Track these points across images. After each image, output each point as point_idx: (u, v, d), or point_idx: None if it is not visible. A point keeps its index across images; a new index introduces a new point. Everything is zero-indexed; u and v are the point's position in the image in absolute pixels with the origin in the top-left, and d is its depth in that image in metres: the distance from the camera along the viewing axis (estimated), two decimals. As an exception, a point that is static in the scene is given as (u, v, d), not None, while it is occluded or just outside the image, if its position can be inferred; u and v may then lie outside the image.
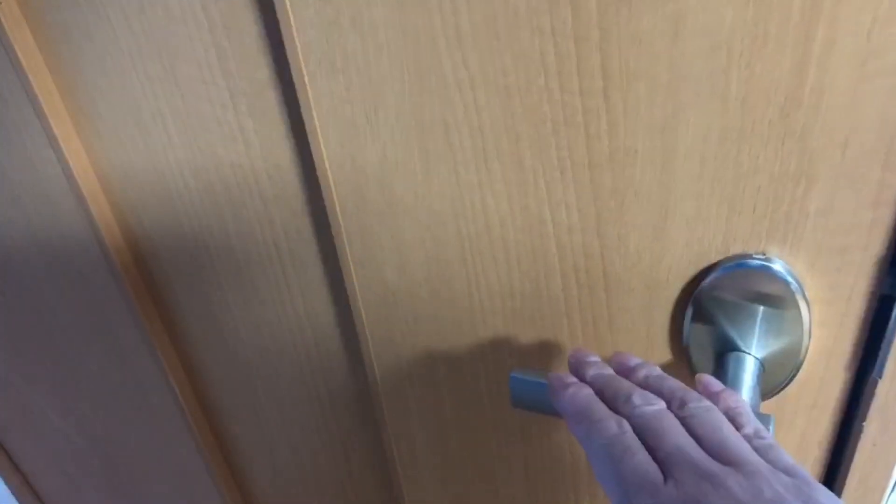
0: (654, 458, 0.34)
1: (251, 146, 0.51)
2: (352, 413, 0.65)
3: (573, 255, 0.46)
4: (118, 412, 0.78)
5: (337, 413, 0.66)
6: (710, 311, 0.44)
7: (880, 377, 0.42)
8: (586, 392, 0.40)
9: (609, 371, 0.42)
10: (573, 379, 0.42)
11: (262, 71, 0.47)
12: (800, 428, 0.48)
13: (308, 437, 0.69)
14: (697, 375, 0.41)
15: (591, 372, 0.42)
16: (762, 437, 0.36)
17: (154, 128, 0.53)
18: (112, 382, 0.75)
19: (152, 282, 0.64)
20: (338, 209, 0.50)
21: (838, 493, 0.48)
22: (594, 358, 0.43)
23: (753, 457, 0.34)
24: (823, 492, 0.31)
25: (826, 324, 0.42)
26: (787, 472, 0.33)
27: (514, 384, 0.46)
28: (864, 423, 0.44)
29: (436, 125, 0.43)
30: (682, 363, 0.47)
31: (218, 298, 0.62)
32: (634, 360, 0.43)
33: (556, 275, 0.47)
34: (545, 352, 0.51)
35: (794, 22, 0.34)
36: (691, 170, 0.40)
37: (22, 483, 0.98)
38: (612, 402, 0.38)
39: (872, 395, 0.43)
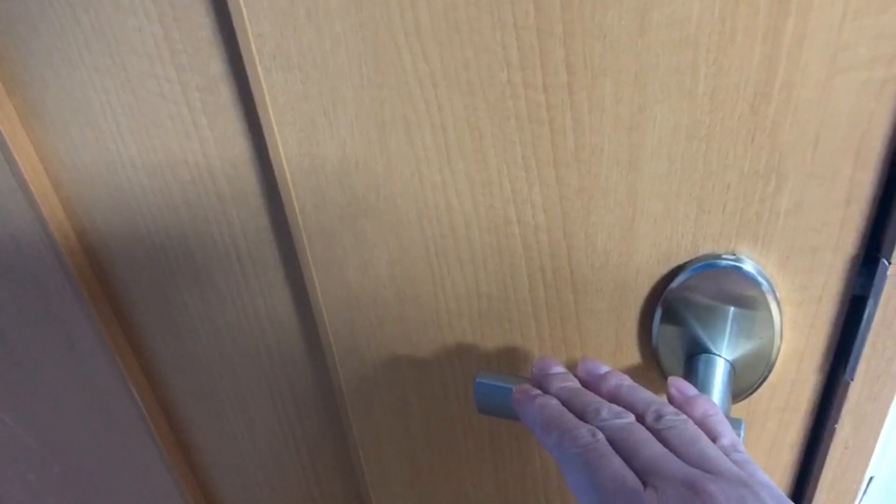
0: (630, 468, 0.33)
1: (206, 143, 0.49)
2: (316, 416, 0.63)
3: (540, 256, 0.44)
4: (77, 418, 0.76)
5: (301, 416, 0.64)
6: (679, 312, 0.43)
7: (852, 379, 0.41)
8: (555, 402, 0.38)
9: (575, 384, 0.41)
10: (537, 391, 0.40)
11: (215, 65, 0.45)
12: (771, 431, 0.47)
13: (272, 440, 0.68)
14: (670, 379, 0.40)
15: (556, 385, 0.40)
16: (738, 451, 0.35)
17: (105, 124, 0.51)
18: (69, 387, 0.72)
19: (108, 283, 0.62)
20: (297, 208, 0.48)
21: (810, 497, 0.48)
22: (558, 369, 0.42)
23: (734, 468, 0.33)
24: None
25: (797, 325, 0.41)
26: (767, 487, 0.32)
27: (479, 390, 0.45)
28: (836, 426, 0.43)
29: (397, 122, 0.42)
30: (652, 365, 0.46)
31: (176, 300, 0.60)
32: (603, 368, 0.41)
33: (523, 276, 0.45)
34: (513, 354, 0.50)
35: (763, 15, 0.32)
36: (659, 168, 0.38)
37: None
38: (581, 415, 0.37)
39: (844, 397, 0.42)
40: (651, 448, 0.34)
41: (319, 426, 0.64)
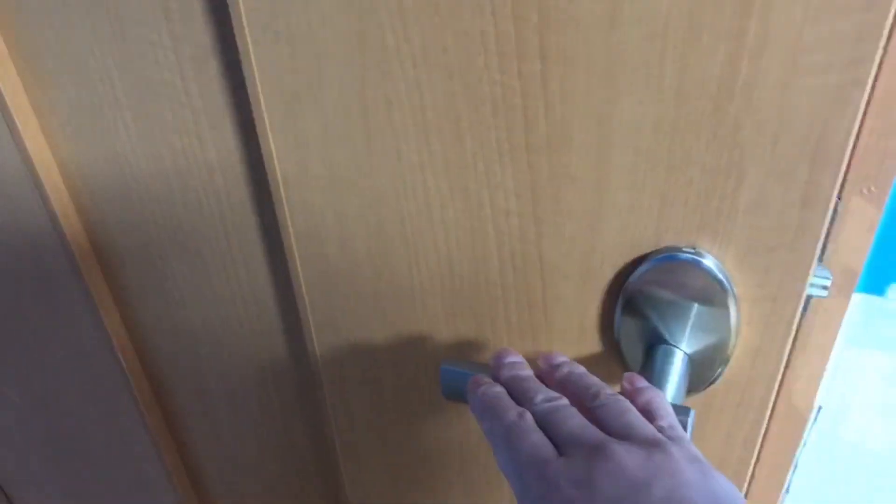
0: (553, 443, 0.35)
1: (197, 112, 0.50)
2: (292, 385, 0.65)
3: (510, 240, 0.45)
4: (62, 379, 0.77)
5: (278, 386, 0.65)
6: (640, 302, 0.44)
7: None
8: (496, 390, 0.40)
9: (527, 373, 0.42)
10: (487, 379, 0.42)
11: (208, 35, 0.46)
12: (726, 425, 0.48)
13: (250, 405, 0.69)
14: (625, 373, 0.41)
15: (506, 373, 0.42)
16: (674, 429, 0.36)
17: (102, 88, 0.52)
18: (56, 349, 0.74)
19: (98, 245, 0.63)
20: (280, 180, 0.49)
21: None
22: (514, 358, 0.44)
23: (654, 431, 0.34)
24: (722, 479, 0.32)
25: (754, 322, 0.43)
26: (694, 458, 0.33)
27: (444, 376, 0.46)
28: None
29: (378, 101, 0.43)
30: (614, 354, 0.47)
31: (163, 266, 0.61)
32: (560, 358, 0.43)
33: (494, 259, 0.47)
34: (482, 336, 0.51)
35: (728, 14, 0.34)
36: (626, 159, 0.40)
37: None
38: (519, 401, 0.39)
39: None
40: (573, 421, 0.35)
41: (295, 395, 0.65)
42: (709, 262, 0.41)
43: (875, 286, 0.54)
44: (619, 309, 0.45)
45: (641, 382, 0.40)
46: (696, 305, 0.42)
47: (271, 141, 0.48)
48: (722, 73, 0.35)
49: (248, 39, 0.44)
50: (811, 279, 0.41)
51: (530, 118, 0.40)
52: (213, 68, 0.47)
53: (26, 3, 0.51)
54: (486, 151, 0.42)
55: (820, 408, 0.62)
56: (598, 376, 0.42)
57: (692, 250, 0.41)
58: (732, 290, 0.41)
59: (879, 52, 0.32)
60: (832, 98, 0.34)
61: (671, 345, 0.44)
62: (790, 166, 0.37)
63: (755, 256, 0.40)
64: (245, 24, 0.43)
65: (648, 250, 0.42)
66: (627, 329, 0.45)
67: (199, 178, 0.54)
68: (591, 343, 0.47)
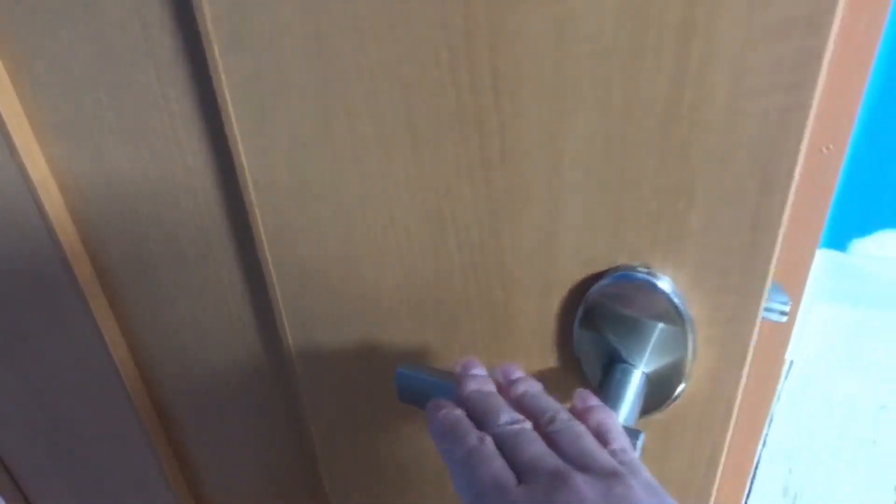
0: (513, 469, 0.34)
1: (174, 116, 0.51)
2: (273, 386, 0.65)
3: (471, 252, 0.45)
4: (60, 373, 0.79)
5: (261, 385, 0.66)
6: (597, 320, 0.43)
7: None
8: (456, 413, 0.40)
9: (489, 387, 0.42)
10: (447, 402, 0.42)
11: (178, 41, 0.46)
12: (689, 444, 0.47)
13: (235, 405, 0.70)
14: (577, 390, 0.41)
15: (470, 386, 0.42)
16: (626, 454, 0.36)
17: (87, 97, 0.53)
18: (54, 344, 0.76)
19: (91, 246, 0.65)
20: (250, 184, 0.50)
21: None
22: (477, 371, 0.43)
23: (611, 461, 0.34)
24: None
25: (711, 343, 0.42)
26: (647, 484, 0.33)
27: (400, 380, 0.46)
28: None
29: (339, 112, 0.43)
30: (574, 370, 0.47)
31: (154, 269, 0.62)
32: (517, 374, 0.43)
33: (456, 270, 0.47)
34: (447, 346, 0.51)
35: (670, 34, 0.33)
36: (578, 176, 0.39)
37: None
38: (481, 420, 0.39)
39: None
40: (534, 448, 0.35)
41: (277, 395, 0.66)
42: (664, 282, 0.40)
43: (838, 242, 0.58)
44: (577, 325, 0.44)
45: (593, 401, 0.40)
46: (651, 325, 0.42)
47: (241, 147, 0.48)
48: (668, 94, 0.35)
49: (216, 49, 0.44)
50: (769, 303, 0.40)
51: (485, 133, 0.40)
52: (185, 74, 0.48)
53: (9, 9, 0.52)
54: (444, 164, 0.42)
55: (791, 362, 0.65)
56: (558, 391, 0.42)
57: (646, 270, 0.40)
58: (687, 310, 0.41)
59: (821, 76, 0.31)
60: (777, 122, 0.33)
61: (628, 363, 0.44)
62: (739, 189, 0.36)
63: (709, 278, 0.39)
64: (211, 33, 0.44)
65: (604, 268, 0.42)
66: (586, 345, 0.45)
67: (178, 178, 0.54)
68: (552, 357, 0.47)
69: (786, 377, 0.67)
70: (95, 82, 0.52)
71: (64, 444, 0.91)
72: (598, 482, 0.32)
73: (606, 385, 0.44)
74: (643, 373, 0.44)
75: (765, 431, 0.73)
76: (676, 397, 0.44)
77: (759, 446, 0.73)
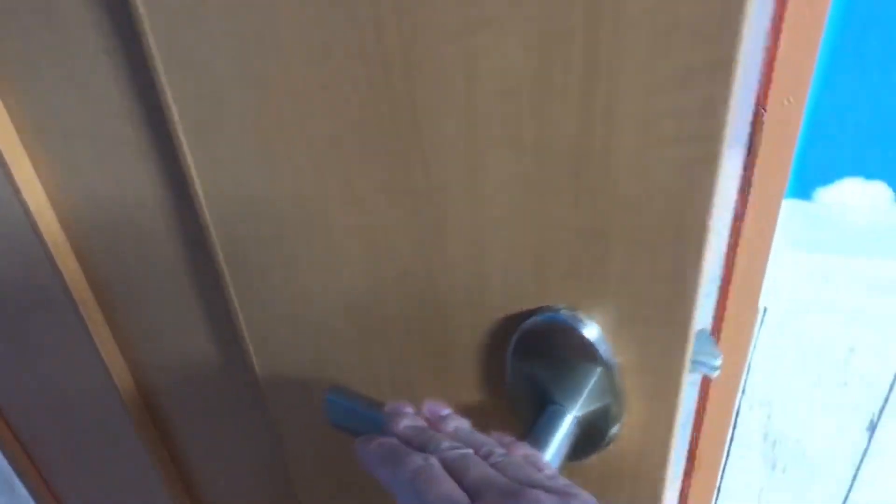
0: (462, 488, 0.33)
1: (137, 127, 0.51)
2: (249, 397, 0.66)
3: (408, 283, 0.44)
4: (56, 379, 0.81)
5: (238, 395, 0.66)
6: (529, 359, 0.42)
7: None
8: (391, 440, 0.39)
9: (421, 423, 0.41)
10: (376, 435, 0.40)
11: (132, 55, 0.47)
12: (628, 488, 0.45)
13: (215, 415, 0.71)
14: (494, 433, 0.39)
15: (403, 422, 0.40)
16: (560, 479, 0.35)
17: (56, 98, 0.54)
18: (53, 362, 0.78)
19: (89, 273, 0.66)
20: (202, 197, 0.49)
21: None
22: (409, 409, 0.42)
23: (559, 483, 0.33)
24: None
25: (640, 393, 0.40)
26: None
27: (328, 406, 0.45)
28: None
29: (274, 133, 0.43)
30: (509, 409, 0.46)
31: (140, 280, 0.63)
32: (445, 410, 0.41)
33: (396, 300, 0.46)
34: (393, 369, 0.50)
35: (576, 75, 0.31)
36: (499, 214, 0.38)
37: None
38: (422, 449, 0.37)
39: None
40: (481, 469, 0.34)
41: (247, 406, 0.66)
42: (590, 328, 0.38)
43: (803, 192, 0.60)
44: (509, 362, 0.43)
45: (506, 438, 0.39)
46: (580, 369, 0.40)
47: (190, 161, 0.48)
48: (577, 136, 0.33)
49: (161, 68, 0.44)
50: (700, 356, 0.38)
51: (410, 164, 0.39)
52: (139, 86, 0.48)
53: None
54: (374, 191, 0.41)
55: (766, 309, 0.67)
56: (490, 427, 0.40)
57: (572, 312, 0.39)
58: (613, 358, 0.39)
59: (727, 128, 0.29)
60: (687, 173, 0.31)
61: (559, 405, 0.42)
62: (655, 238, 0.34)
63: (632, 327, 0.38)
64: (156, 54, 0.44)
65: (532, 306, 0.40)
66: (518, 386, 0.43)
67: (149, 192, 0.55)
68: (486, 391, 0.46)
69: (761, 324, 0.68)
70: (62, 90, 0.53)
71: (69, 456, 0.94)
72: (553, 497, 0.31)
73: (536, 426, 0.42)
74: (574, 416, 0.42)
75: (743, 379, 0.74)
76: (608, 443, 0.43)
77: (739, 394, 0.76)
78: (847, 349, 0.73)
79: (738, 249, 0.55)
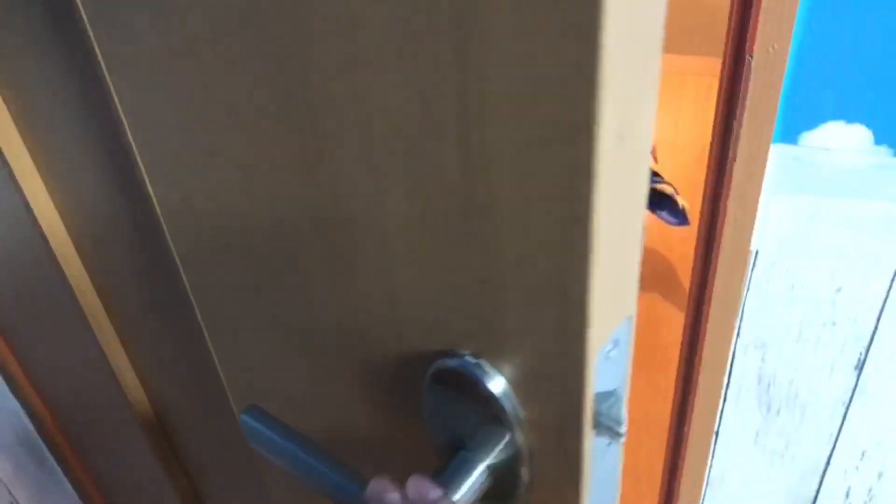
0: None
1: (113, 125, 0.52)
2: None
3: (328, 301, 0.44)
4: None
5: (214, 396, 0.68)
6: (442, 401, 0.41)
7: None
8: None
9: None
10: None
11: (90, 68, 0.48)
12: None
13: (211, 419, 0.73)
14: (412, 478, 0.39)
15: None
16: None
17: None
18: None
19: (91, 270, 0.68)
20: (153, 196, 0.50)
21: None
22: (393, 494, 0.40)
23: None
24: None
25: (545, 450, 0.39)
26: None
27: (244, 426, 0.45)
28: None
29: (203, 148, 0.43)
30: (425, 451, 0.45)
31: (131, 280, 0.65)
32: (434, 493, 0.39)
33: (317, 320, 0.46)
34: (315, 392, 0.51)
35: (451, 119, 0.30)
36: (403, 251, 0.37)
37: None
38: None
39: None
40: None
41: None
42: (496, 379, 0.37)
43: (788, 136, 0.62)
44: (424, 401, 0.42)
45: (433, 493, 0.38)
46: (489, 419, 0.39)
47: (140, 162, 0.49)
48: (460, 184, 0.31)
49: (109, 80, 0.45)
50: (603, 418, 0.36)
51: (320, 191, 0.38)
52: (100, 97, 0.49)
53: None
54: (296, 215, 0.41)
55: (757, 252, 0.69)
56: (407, 464, 0.41)
57: (476, 361, 0.38)
58: (517, 411, 0.37)
59: (594, 192, 0.28)
60: (561, 230, 0.30)
61: (470, 451, 0.41)
62: (539, 297, 0.32)
63: (533, 384, 0.36)
64: (105, 70, 0.45)
65: (441, 347, 0.39)
66: (434, 423, 0.43)
67: (125, 189, 0.56)
68: (408, 426, 0.46)
69: (752, 267, 0.70)
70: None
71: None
72: None
73: (447, 469, 0.41)
74: (486, 465, 0.40)
75: (737, 323, 0.76)
76: (519, 493, 0.41)
77: (734, 338, 0.77)
78: (834, 289, 0.73)
79: (730, 193, 0.57)
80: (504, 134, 0.29)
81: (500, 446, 0.39)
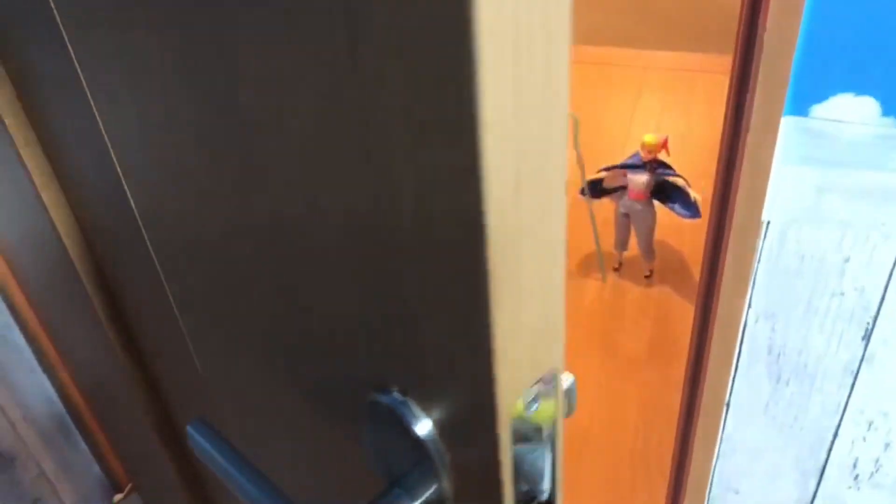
0: None
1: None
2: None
3: (273, 320, 0.45)
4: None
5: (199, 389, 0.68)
6: (378, 432, 0.40)
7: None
8: None
9: None
10: None
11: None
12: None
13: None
14: None
15: None
16: None
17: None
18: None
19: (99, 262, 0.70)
20: (120, 172, 0.51)
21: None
22: None
23: None
24: None
25: (468, 498, 0.37)
26: None
27: (191, 436, 0.46)
28: None
29: (163, 166, 0.44)
30: (365, 475, 0.44)
31: (126, 271, 0.67)
32: None
33: (260, 332, 0.47)
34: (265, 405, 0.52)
35: (355, 152, 0.30)
36: (326, 277, 0.37)
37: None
38: None
39: None
40: None
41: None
42: (423, 421, 0.36)
43: (799, 108, 0.64)
44: (363, 435, 0.41)
45: None
46: (415, 457, 0.37)
47: (107, 139, 0.49)
48: (373, 216, 0.31)
49: (77, 65, 0.47)
50: (522, 485, 0.35)
51: (252, 203, 0.39)
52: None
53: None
54: (232, 233, 0.42)
55: (768, 222, 0.70)
56: (354, 482, 0.41)
57: (403, 399, 0.37)
58: (441, 451, 0.36)
59: (487, 245, 0.26)
60: (462, 286, 0.28)
61: (400, 489, 0.39)
62: (450, 344, 0.31)
63: (458, 428, 0.35)
64: (72, 53, 0.46)
65: (373, 380, 0.38)
66: (370, 452, 0.42)
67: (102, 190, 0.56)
68: (348, 449, 0.46)
69: (764, 237, 0.71)
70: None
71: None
72: None
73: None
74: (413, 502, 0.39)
75: (749, 293, 0.77)
76: None
77: (746, 308, 0.78)
78: (842, 259, 0.75)
79: (742, 164, 0.57)
80: (404, 174, 0.29)
81: (430, 492, 0.38)
